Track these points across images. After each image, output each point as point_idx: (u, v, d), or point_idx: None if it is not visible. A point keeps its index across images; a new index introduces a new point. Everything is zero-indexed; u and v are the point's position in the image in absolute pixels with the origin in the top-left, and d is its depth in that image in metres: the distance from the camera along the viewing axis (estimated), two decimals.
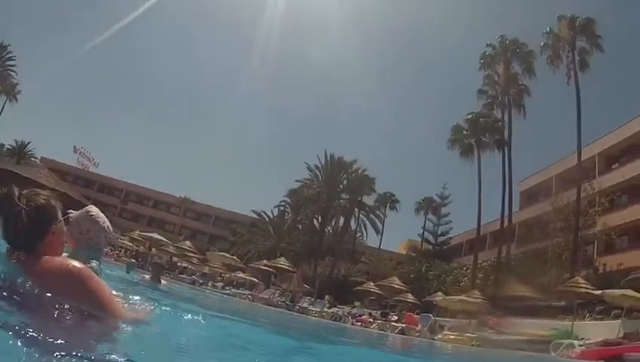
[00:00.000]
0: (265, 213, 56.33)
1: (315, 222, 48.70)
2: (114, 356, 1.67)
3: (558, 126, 59.09)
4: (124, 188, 69.74)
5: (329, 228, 49.40)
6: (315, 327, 15.22)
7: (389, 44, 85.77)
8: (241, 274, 33.50)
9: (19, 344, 1.52)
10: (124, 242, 35.00)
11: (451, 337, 19.19)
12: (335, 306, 28.03)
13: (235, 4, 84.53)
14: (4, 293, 1.81)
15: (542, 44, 34.76)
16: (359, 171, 47.61)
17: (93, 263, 2.70)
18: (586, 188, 31.71)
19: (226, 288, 28.61)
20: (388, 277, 34.15)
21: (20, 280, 1.84)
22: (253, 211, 57.91)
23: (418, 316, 23.41)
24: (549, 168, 41.17)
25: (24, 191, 1.99)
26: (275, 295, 27.63)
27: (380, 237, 50.64)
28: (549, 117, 56.98)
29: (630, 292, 17.18)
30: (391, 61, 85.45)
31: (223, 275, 34.91)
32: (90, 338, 1.84)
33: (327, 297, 30.29)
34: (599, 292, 19.30)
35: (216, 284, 30.22)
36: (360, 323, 22.88)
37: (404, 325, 21.83)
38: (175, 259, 36.06)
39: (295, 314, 22.49)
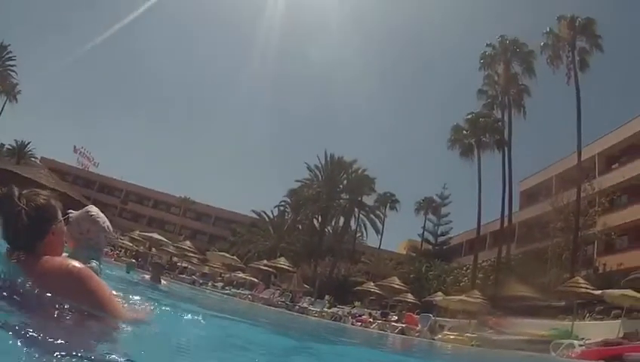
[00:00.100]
0: (265, 213, 56.43)
1: (315, 222, 48.73)
2: (114, 356, 1.67)
3: (558, 126, 59.19)
4: (124, 188, 69.76)
5: (329, 228, 49.46)
6: (315, 327, 15.22)
7: (389, 44, 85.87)
8: (241, 274, 33.51)
9: (19, 344, 1.52)
10: (124, 242, 35.02)
11: (451, 337, 19.20)
12: (335, 306, 28.03)
13: (235, 3, 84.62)
14: (5, 293, 1.80)
15: (542, 44, 34.77)
16: (359, 171, 47.64)
17: (93, 263, 2.70)
18: (586, 188, 31.70)
19: (226, 288, 28.61)
20: (388, 277, 34.16)
21: (20, 280, 1.84)
22: (253, 211, 58.05)
23: (418, 316, 23.41)
24: (549, 168, 41.17)
25: (24, 191, 2.00)
26: (275, 295, 27.64)
27: (379, 237, 50.76)
28: (549, 117, 57.05)
29: (630, 292, 17.18)
30: (391, 61, 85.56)
31: (223, 275, 34.92)
32: (90, 339, 1.84)
33: (327, 297, 30.30)
34: (599, 292, 19.30)
35: (216, 284, 30.23)
36: (360, 323, 22.87)
37: (404, 325, 21.83)
38: (175, 259, 36.08)
39: (295, 314, 22.49)
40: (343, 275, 44.39)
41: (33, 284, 1.83)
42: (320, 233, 47.41)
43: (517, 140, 37.38)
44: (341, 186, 48.30)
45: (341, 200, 47.97)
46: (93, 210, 3.01)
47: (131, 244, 34.89)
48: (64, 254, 2.24)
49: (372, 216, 49.35)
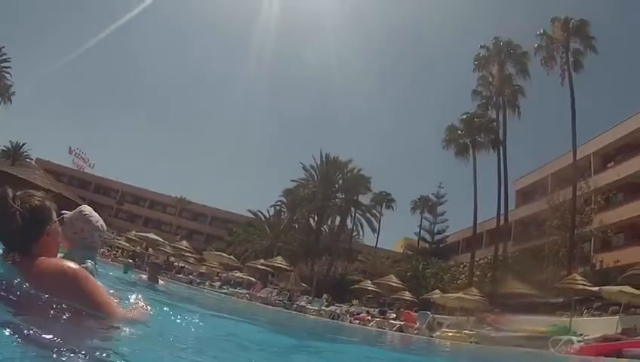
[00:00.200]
0: (261, 213, 56.48)
1: (311, 221, 48.74)
2: (110, 356, 1.68)
3: (552, 126, 59.56)
4: (119, 189, 69.54)
5: (325, 227, 49.54)
6: (313, 326, 15.23)
7: (389, 44, 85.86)
8: (238, 274, 33.45)
9: (15, 345, 1.52)
10: (121, 243, 34.98)
11: (450, 334, 19.24)
12: (333, 304, 28.03)
13: (233, 4, 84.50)
14: (1, 294, 1.80)
15: (536, 45, 34.95)
16: (354, 171, 47.70)
17: (89, 263, 2.67)
18: (581, 187, 31.83)
19: (224, 287, 28.56)
20: (385, 275, 34.20)
21: (15, 282, 1.84)
22: (250, 211, 58.15)
23: (416, 314, 23.44)
24: (544, 167, 41.27)
25: (18, 193, 1.99)
26: (272, 294, 27.62)
27: (376, 235, 50.66)
28: (544, 117, 57.26)
29: (627, 288, 17.25)
30: (391, 61, 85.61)
31: (220, 275, 34.90)
32: (87, 339, 1.84)
33: (324, 296, 30.30)
34: (597, 288, 19.37)
35: (213, 284, 30.18)
36: (358, 321, 22.88)
37: (402, 323, 21.85)
38: (172, 259, 36.04)
39: (293, 312, 22.49)
40: (340, 274, 44.44)
41: (29, 286, 1.83)
42: (316, 232, 47.45)
43: (512, 140, 37.71)
44: (337, 186, 48.31)
45: (337, 200, 48.00)
46: (86, 209, 2.99)
47: (128, 245, 34.83)
48: (59, 255, 2.23)
49: (368, 215, 49.36)
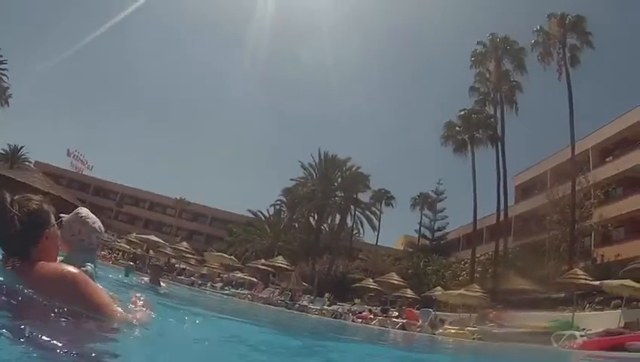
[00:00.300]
0: (261, 213, 56.38)
1: (311, 220, 48.71)
2: (111, 359, 1.68)
3: (550, 121, 59.62)
4: (119, 191, 69.44)
5: (325, 225, 49.51)
6: (315, 325, 15.22)
7: (389, 44, 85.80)
8: (239, 274, 33.41)
9: (16, 349, 1.52)
10: (122, 245, 34.92)
11: (452, 331, 19.21)
12: (335, 303, 28.02)
13: (233, 5, 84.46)
14: (2, 299, 1.79)
15: (532, 41, 34.99)
16: (353, 169, 47.72)
17: (88, 266, 2.66)
18: (580, 181, 31.87)
19: (225, 288, 28.53)
20: (386, 273, 34.21)
21: (15, 287, 1.83)
22: (249, 211, 58.05)
23: (418, 311, 23.42)
24: (543, 162, 41.31)
25: (16, 197, 1.99)
26: (274, 294, 27.62)
27: (376, 233, 50.69)
28: (542, 112, 57.30)
29: (629, 282, 17.25)
30: (390, 61, 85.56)
31: (221, 275, 34.84)
32: (87, 342, 1.83)
33: (326, 295, 30.26)
34: (598, 282, 19.38)
35: (215, 285, 30.15)
36: (361, 320, 22.87)
37: (404, 321, 21.84)
38: (173, 260, 36.01)
39: (295, 312, 22.48)
40: (341, 272, 44.39)
41: (29, 290, 1.82)
42: (316, 231, 47.43)
43: (510, 136, 37.64)
44: (336, 184, 48.28)
45: (336, 198, 47.97)
46: (83, 211, 2.97)
47: (129, 247, 34.78)
48: (59, 258, 2.21)
49: (368, 212, 49.41)
